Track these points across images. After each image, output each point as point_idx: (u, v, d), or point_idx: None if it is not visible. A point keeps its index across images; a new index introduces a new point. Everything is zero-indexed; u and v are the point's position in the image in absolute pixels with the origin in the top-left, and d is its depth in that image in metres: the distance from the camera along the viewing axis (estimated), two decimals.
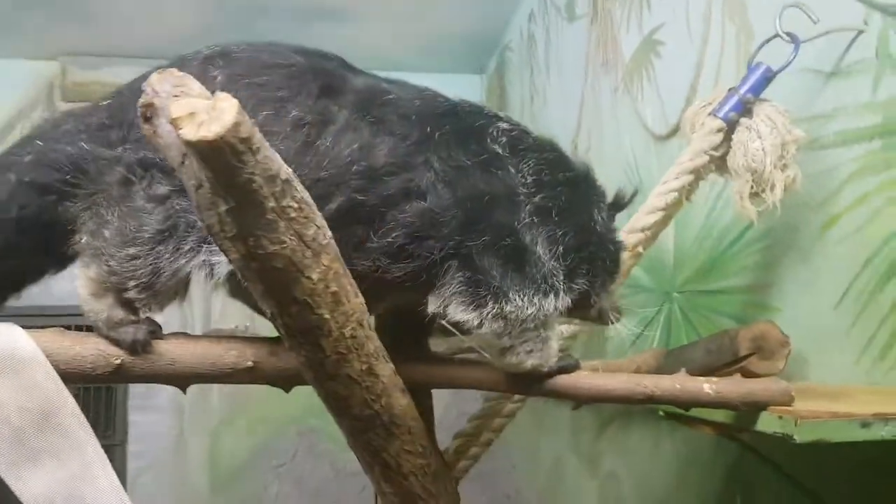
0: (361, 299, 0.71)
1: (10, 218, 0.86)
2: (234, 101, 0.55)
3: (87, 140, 0.86)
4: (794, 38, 1.20)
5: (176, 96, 0.57)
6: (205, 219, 0.58)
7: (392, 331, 0.99)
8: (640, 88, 2.09)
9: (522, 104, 3.32)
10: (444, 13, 3.33)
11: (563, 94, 2.77)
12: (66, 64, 3.44)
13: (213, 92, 0.58)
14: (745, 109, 1.20)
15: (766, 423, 0.80)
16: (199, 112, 0.54)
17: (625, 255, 1.03)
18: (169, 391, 3.26)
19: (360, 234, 0.79)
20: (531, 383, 0.84)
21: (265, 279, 0.62)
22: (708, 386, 0.82)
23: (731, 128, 1.20)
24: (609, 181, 2.33)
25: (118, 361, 0.75)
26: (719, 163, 1.23)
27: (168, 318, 3.01)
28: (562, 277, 0.86)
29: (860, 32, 1.18)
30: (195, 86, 0.58)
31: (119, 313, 0.82)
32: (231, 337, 0.84)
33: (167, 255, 0.80)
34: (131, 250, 0.81)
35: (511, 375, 0.85)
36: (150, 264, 0.80)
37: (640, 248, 1.26)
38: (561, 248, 0.86)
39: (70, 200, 0.85)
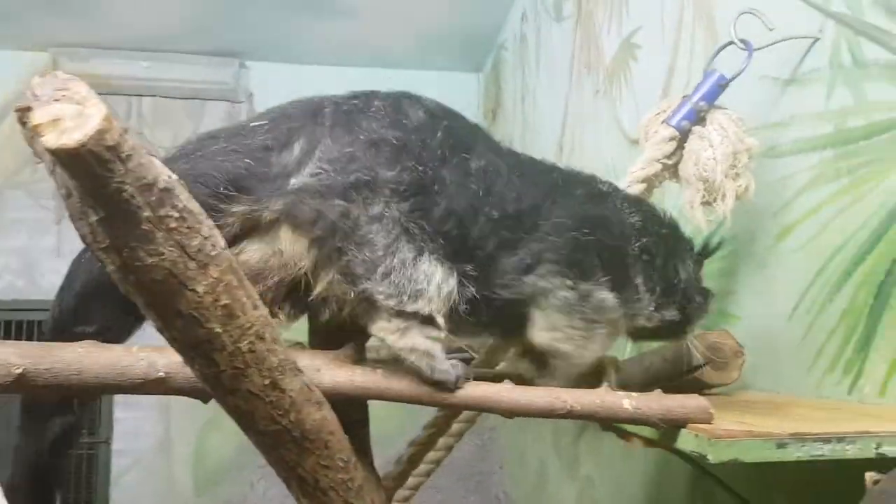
0: (262, 311, 0.69)
1: None
2: (103, 108, 0.53)
3: (249, 159, 0.86)
4: (747, 45, 1.18)
5: (57, 100, 0.55)
6: (77, 228, 0.57)
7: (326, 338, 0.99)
8: (618, 91, 2.07)
9: (515, 104, 3.31)
10: (442, 11, 3.32)
11: (551, 95, 2.76)
12: (57, 55, 3.45)
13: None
14: (698, 117, 1.18)
15: (684, 441, 0.79)
16: (65, 118, 0.52)
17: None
18: None
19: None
20: (447, 396, 0.83)
21: (145, 292, 0.60)
22: (627, 402, 0.80)
23: (683, 136, 1.18)
24: None
25: (19, 371, 0.74)
26: (673, 171, 1.21)
27: None
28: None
29: (815, 40, 1.16)
30: (81, 89, 0.56)
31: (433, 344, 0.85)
32: (145, 347, 0.83)
33: (411, 260, 0.85)
34: (381, 269, 0.84)
35: (431, 388, 0.84)
36: (407, 276, 0.84)
37: None
38: (655, 286, 0.98)
39: (214, 218, 0.81)
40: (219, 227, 0.77)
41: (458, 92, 3.91)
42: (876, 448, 0.75)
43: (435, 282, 0.85)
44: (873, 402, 1.03)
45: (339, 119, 0.88)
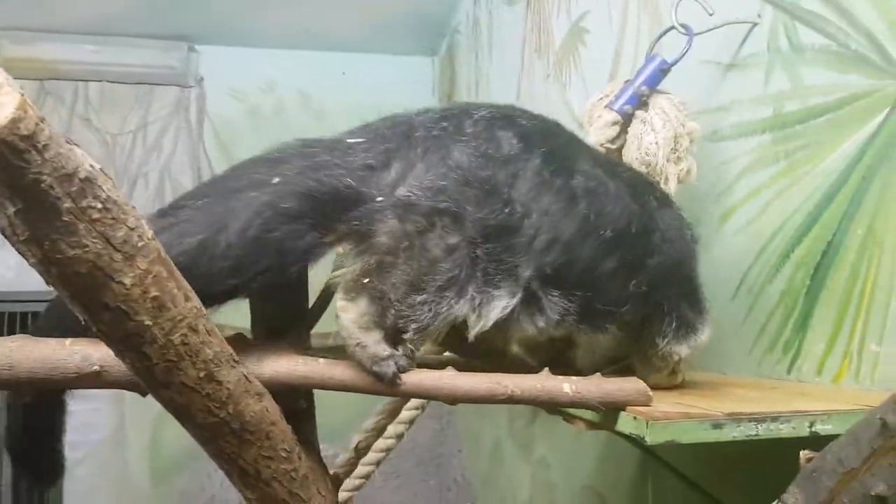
0: (195, 303, 0.68)
1: (250, 236, 0.83)
2: (17, 95, 0.51)
3: (351, 177, 0.86)
4: (688, 30, 1.20)
5: None
6: None
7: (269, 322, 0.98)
8: (568, 76, 2.08)
9: (469, 88, 3.30)
10: None
11: (504, 79, 2.76)
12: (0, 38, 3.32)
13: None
14: (640, 102, 1.19)
15: (624, 423, 0.80)
16: None
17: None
18: None
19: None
20: (388, 384, 0.83)
21: (68, 285, 0.58)
22: (567, 386, 0.81)
23: (626, 120, 1.19)
24: None
25: None
26: (617, 155, 1.22)
27: None
28: None
29: (754, 25, 1.18)
30: None
31: (385, 350, 0.84)
32: (80, 340, 0.81)
33: (450, 301, 0.85)
34: (420, 297, 0.84)
35: (372, 377, 0.84)
36: (433, 310, 0.85)
37: None
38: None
39: (320, 232, 0.85)
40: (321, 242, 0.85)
41: (413, 76, 3.88)
42: (809, 427, 0.78)
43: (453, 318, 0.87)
44: (811, 380, 1.06)
45: (431, 145, 0.89)
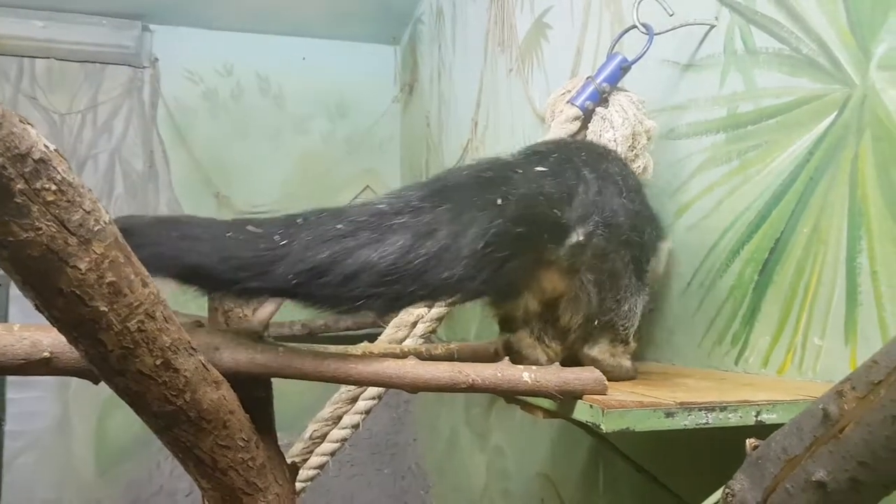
0: (152, 289, 0.67)
1: (475, 250, 0.85)
2: None
3: (557, 208, 0.94)
4: (648, 30, 1.22)
5: None
6: None
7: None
8: (530, 71, 2.10)
9: (431, 79, 3.30)
10: None
11: (467, 72, 2.76)
12: None
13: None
14: (601, 98, 1.21)
15: (580, 411, 0.82)
16: None
17: None
18: None
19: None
20: (349, 373, 0.83)
21: (21, 269, 0.57)
22: (527, 375, 0.82)
23: (587, 116, 1.21)
24: None
25: None
26: None
27: None
28: None
29: (711, 27, 1.20)
30: None
31: (630, 362, 1.06)
32: (29, 326, 0.79)
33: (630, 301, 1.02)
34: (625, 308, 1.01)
35: (334, 365, 0.84)
36: (632, 311, 1.03)
37: None
38: None
39: (536, 257, 0.93)
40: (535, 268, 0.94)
41: (374, 64, 3.86)
42: (756, 416, 0.81)
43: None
44: (757, 372, 1.10)
45: (604, 188, 0.98)
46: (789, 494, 0.69)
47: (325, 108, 3.80)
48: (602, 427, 0.77)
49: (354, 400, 1.29)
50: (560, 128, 1.21)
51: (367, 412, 1.36)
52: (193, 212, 3.52)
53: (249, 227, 0.77)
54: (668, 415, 0.79)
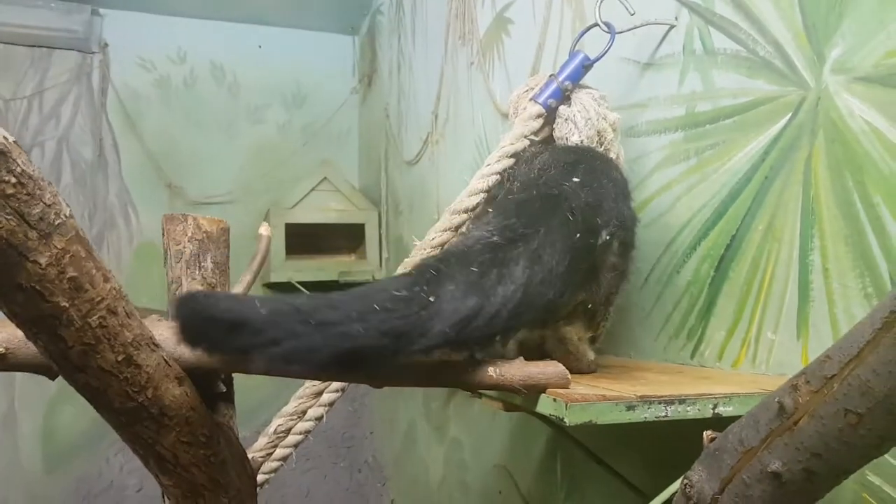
0: (114, 284, 0.65)
1: (565, 266, 0.89)
2: None
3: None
4: (610, 28, 1.23)
5: None
6: None
7: None
8: (491, 65, 2.10)
9: (391, 71, 3.28)
10: None
11: (426, 64, 2.76)
12: None
13: None
14: (564, 96, 1.22)
15: (544, 405, 0.83)
16: None
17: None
18: None
19: None
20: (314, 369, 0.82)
21: None
22: (492, 369, 0.83)
23: (550, 114, 1.22)
24: (462, 155, 2.36)
25: None
26: (539, 148, 1.25)
27: None
28: None
29: (671, 27, 1.23)
30: None
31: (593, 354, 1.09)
32: None
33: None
34: (615, 301, 1.08)
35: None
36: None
37: (463, 229, 1.26)
38: None
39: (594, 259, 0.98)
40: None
41: (332, 54, 3.82)
42: (713, 408, 0.83)
43: None
44: (712, 365, 1.13)
45: (617, 195, 1.04)
46: (746, 485, 0.71)
47: (281, 97, 3.75)
48: (566, 420, 0.78)
49: (319, 394, 1.28)
50: (523, 125, 1.22)
51: (331, 404, 1.35)
52: (145, 203, 3.45)
53: (394, 293, 0.76)
54: (630, 408, 0.81)
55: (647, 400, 0.81)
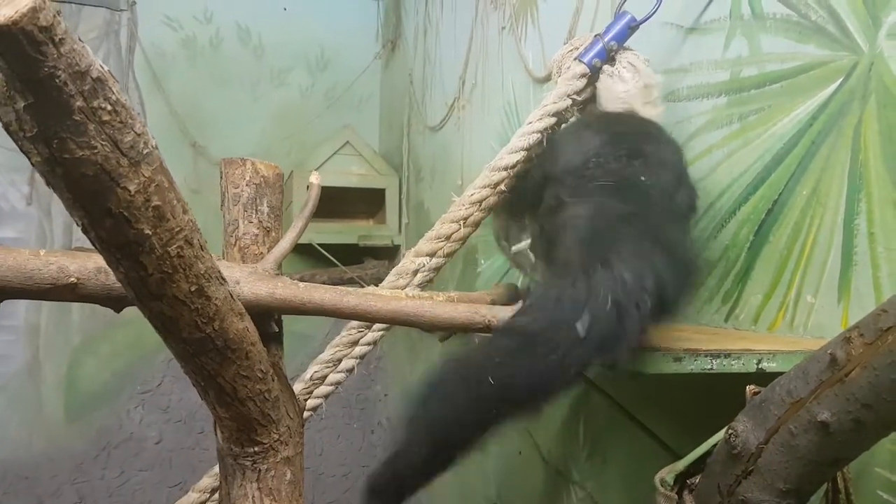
0: (190, 216, 0.68)
1: None
2: None
3: None
4: None
5: None
6: (1, 115, 0.53)
7: None
8: (524, 30, 2.10)
9: (416, 36, 3.27)
10: None
11: (455, 29, 2.74)
12: None
13: None
14: (608, 57, 1.23)
15: None
16: None
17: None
18: (23, 310, 3.07)
19: None
20: (368, 310, 0.85)
21: (73, 187, 0.57)
22: None
23: (594, 74, 1.23)
24: (490, 121, 2.36)
25: None
26: (582, 108, 1.26)
27: (24, 233, 2.81)
28: None
29: None
30: None
31: None
32: (54, 251, 0.79)
33: None
34: None
35: (354, 302, 0.86)
36: None
37: (502, 187, 1.28)
38: None
39: None
40: None
41: (357, 19, 3.80)
42: (757, 364, 0.85)
43: None
44: (747, 328, 1.15)
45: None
46: (792, 435, 0.73)
47: (305, 61, 3.74)
48: (616, 368, 0.80)
49: (354, 344, 1.31)
50: (566, 84, 1.22)
51: (363, 357, 1.38)
52: (169, 162, 3.45)
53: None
54: (677, 359, 0.83)
55: (693, 353, 0.83)
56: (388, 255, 3.45)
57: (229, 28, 3.60)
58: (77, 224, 0.62)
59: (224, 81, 3.59)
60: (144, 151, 0.60)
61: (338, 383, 1.42)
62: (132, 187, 0.60)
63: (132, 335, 3.24)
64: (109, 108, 0.56)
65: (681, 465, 0.84)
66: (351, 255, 3.38)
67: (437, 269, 1.40)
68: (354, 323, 1.33)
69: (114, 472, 3.26)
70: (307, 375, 1.30)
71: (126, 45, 3.40)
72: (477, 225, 1.29)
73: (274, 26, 3.66)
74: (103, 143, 0.57)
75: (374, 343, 1.39)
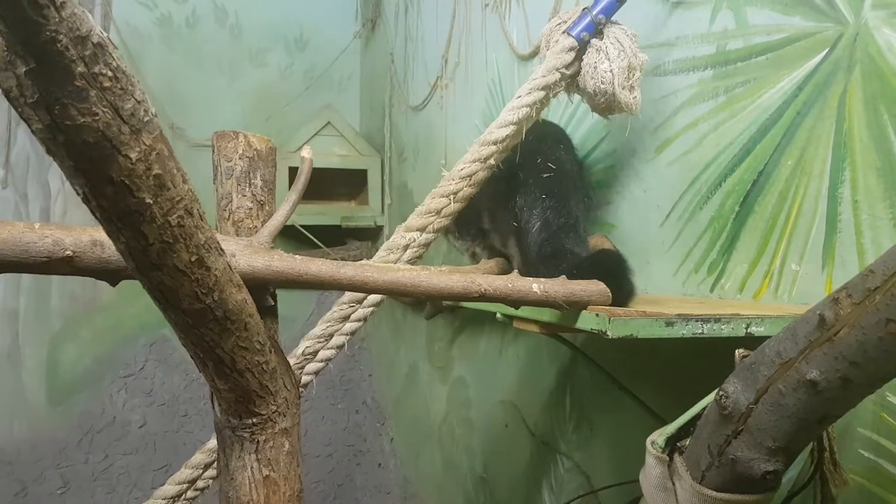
0: (190, 186, 0.67)
1: None
2: None
3: None
4: None
5: None
6: (1, 81, 0.53)
7: None
8: (507, 6, 2.09)
9: (397, 14, 3.24)
10: None
11: (437, 7, 2.73)
12: None
13: None
14: (596, 30, 1.23)
15: (585, 320, 0.87)
16: None
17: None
18: (0, 295, 3.03)
19: None
20: (366, 280, 0.85)
21: (75, 155, 0.57)
22: (536, 286, 0.87)
23: (582, 47, 1.23)
24: (473, 99, 2.36)
25: None
26: (570, 81, 1.27)
27: (0, 216, 2.76)
28: None
29: None
30: None
31: None
32: (49, 224, 0.78)
33: None
34: None
35: (351, 273, 0.86)
36: None
37: (492, 161, 1.28)
38: None
39: None
40: None
41: None
42: (746, 328, 0.87)
43: None
44: (732, 297, 1.17)
45: None
46: (781, 394, 0.75)
47: (283, 41, 3.70)
48: (608, 333, 0.82)
49: (345, 319, 1.32)
50: (555, 58, 1.23)
51: (353, 333, 1.39)
52: None
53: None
54: (668, 324, 0.85)
55: (684, 318, 0.85)
56: (371, 236, 3.45)
57: (205, 7, 3.54)
58: (77, 193, 0.62)
59: (201, 62, 3.54)
60: (145, 119, 0.60)
61: (328, 360, 1.42)
62: (133, 155, 0.60)
63: (112, 320, 3.22)
64: (110, 74, 0.56)
65: (671, 427, 0.86)
66: (333, 236, 3.37)
67: (427, 245, 1.41)
68: (346, 298, 1.34)
69: (98, 457, 3.25)
70: (299, 350, 1.31)
71: (100, 24, 3.33)
72: (466, 200, 1.29)
73: (251, 5, 3.62)
74: (104, 109, 0.56)
75: (365, 319, 1.40)
